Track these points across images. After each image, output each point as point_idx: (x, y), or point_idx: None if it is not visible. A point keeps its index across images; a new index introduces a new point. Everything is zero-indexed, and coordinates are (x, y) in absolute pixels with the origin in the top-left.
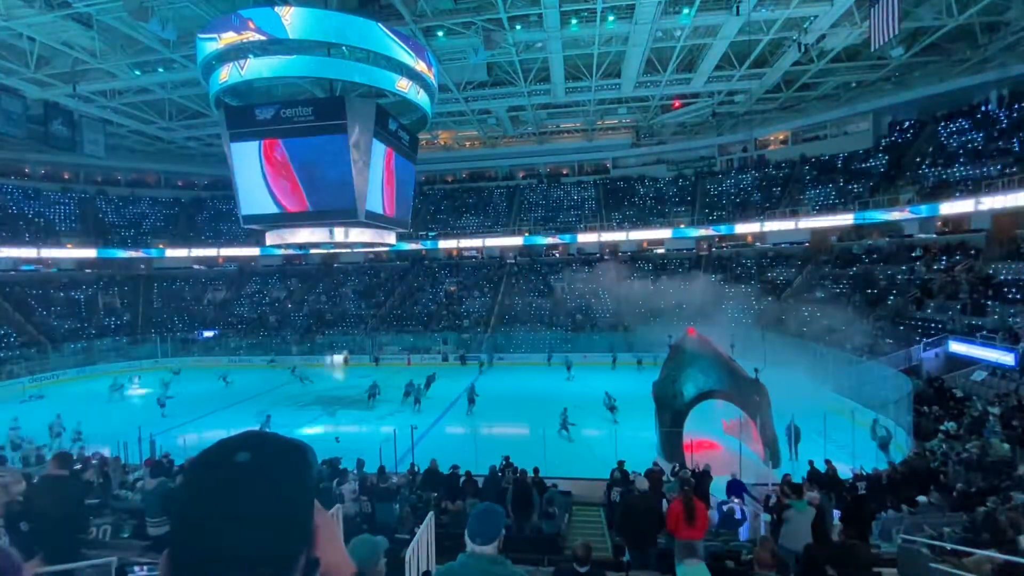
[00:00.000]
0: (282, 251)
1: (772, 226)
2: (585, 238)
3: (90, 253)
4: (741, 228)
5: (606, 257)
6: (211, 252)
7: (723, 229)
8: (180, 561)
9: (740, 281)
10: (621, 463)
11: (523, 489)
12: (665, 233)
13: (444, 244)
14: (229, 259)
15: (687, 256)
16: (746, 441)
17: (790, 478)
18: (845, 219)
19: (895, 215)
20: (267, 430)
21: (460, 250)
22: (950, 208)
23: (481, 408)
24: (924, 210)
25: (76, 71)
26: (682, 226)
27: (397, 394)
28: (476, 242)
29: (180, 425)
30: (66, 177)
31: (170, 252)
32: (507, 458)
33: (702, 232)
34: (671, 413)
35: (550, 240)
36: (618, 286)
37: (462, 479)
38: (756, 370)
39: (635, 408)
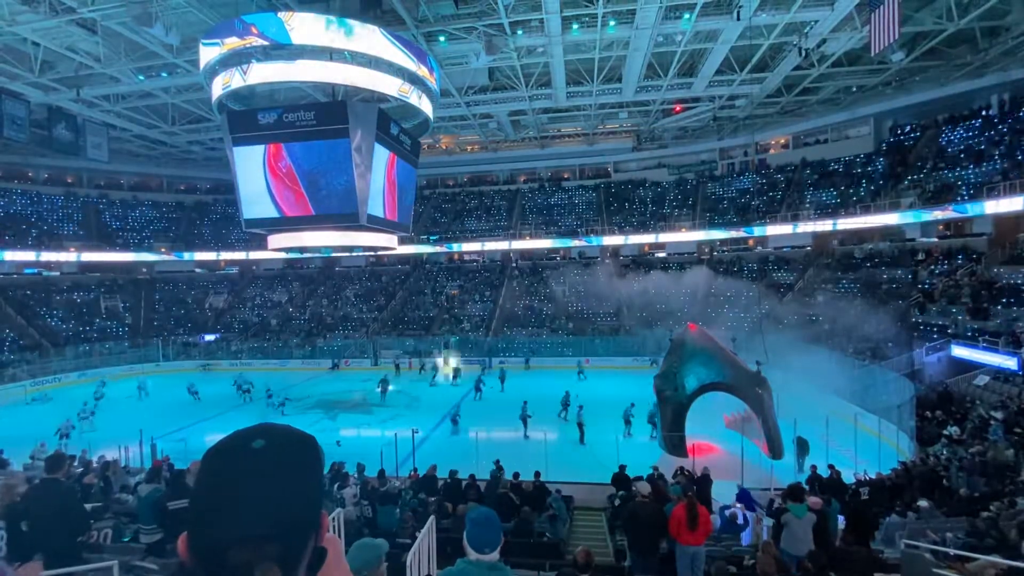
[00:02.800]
0: (286, 254)
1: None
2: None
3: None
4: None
5: (607, 260)
6: (214, 255)
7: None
8: (198, 540)
9: (742, 284)
10: (623, 467)
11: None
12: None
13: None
14: (230, 263)
15: (688, 260)
16: (748, 435)
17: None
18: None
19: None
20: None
21: (461, 253)
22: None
23: (482, 411)
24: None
25: (80, 75)
26: (684, 230)
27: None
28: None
29: (184, 427)
30: (69, 181)
31: (172, 256)
32: (497, 462)
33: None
34: (673, 406)
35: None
36: (620, 289)
37: (464, 483)
38: (758, 363)
39: (635, 411)
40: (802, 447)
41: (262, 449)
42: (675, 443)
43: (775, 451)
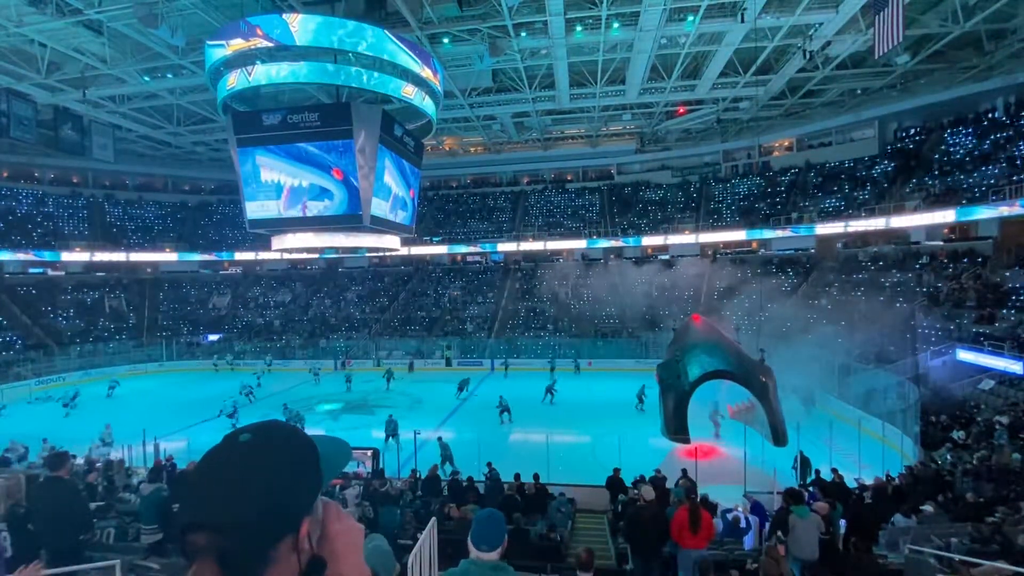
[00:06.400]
0: (291, 255)
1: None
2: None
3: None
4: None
5: (610, 262)
6: (218, 256)
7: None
8: (177, 528)
9: (745, 287)
10: (617, 471)
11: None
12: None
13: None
14: (234, 263)
15: (691, 262)
16: (752, 424)
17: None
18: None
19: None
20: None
21: (464, 255)
22: None
23: (484, 413)
24: None
25: (86, 76)
26: (687, 232)
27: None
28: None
29: (187, 427)
30: (75, 181)
31: (176, 256)
32: (490, 464)
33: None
34: (675, 394)
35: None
36: (623, 290)
37: (463, 485)
38: (762, 350)
39: (638, 414)
40: (804, 465)
41: (244, 443)
42: (677, 431)
43: (779, 439)
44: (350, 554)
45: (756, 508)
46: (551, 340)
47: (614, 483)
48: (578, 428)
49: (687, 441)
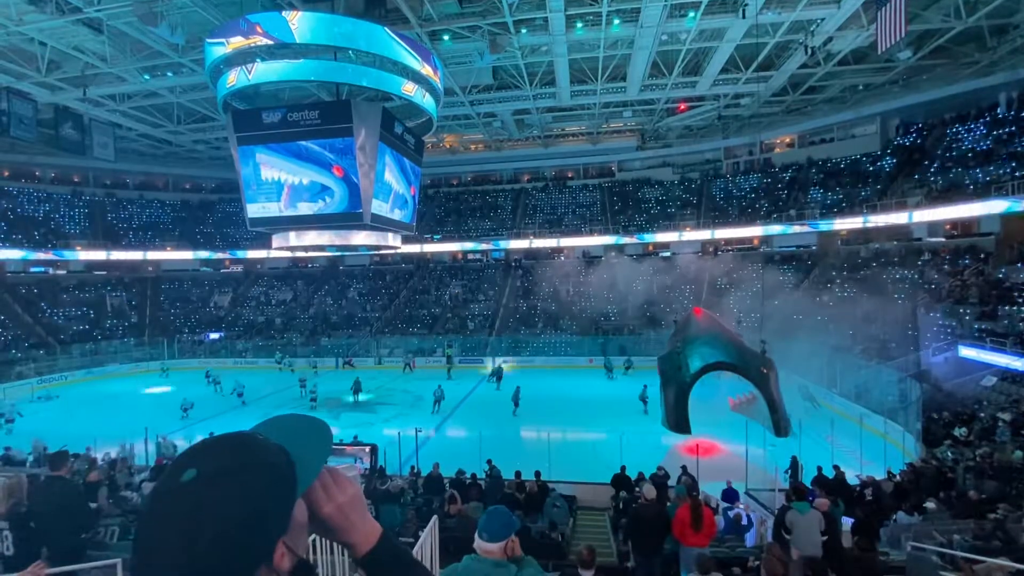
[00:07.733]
0: (292, 253)
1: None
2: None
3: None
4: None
5: (612, 259)
6: (219, 254)
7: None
8: None
9: (745, 284)
10: (623, 468)
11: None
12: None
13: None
14: (235, 261)
15: (692, 259)
16: (753, 417)
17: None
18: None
19: None
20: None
21: (465, 253)
22: None
23: (486, 412)
24: None
25: (86, 75)
26: (688, 229)
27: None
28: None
29: (190, 425)
30: (76, 180)
31: (178, 255)
32: (489, 461)
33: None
34: (676, 386)
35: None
36: (624, 288)
37: (467, 482)
38: (763, 341)
39: (639, 411)
40: (796, 468)
41: (187, 483)
42: (678, 423)
43: (780, 430)
44: (352, 524)
45: (729, 495)
46: (554, 339)
47: (621, 480)
48: (579, 425)
49: (688, 433)
